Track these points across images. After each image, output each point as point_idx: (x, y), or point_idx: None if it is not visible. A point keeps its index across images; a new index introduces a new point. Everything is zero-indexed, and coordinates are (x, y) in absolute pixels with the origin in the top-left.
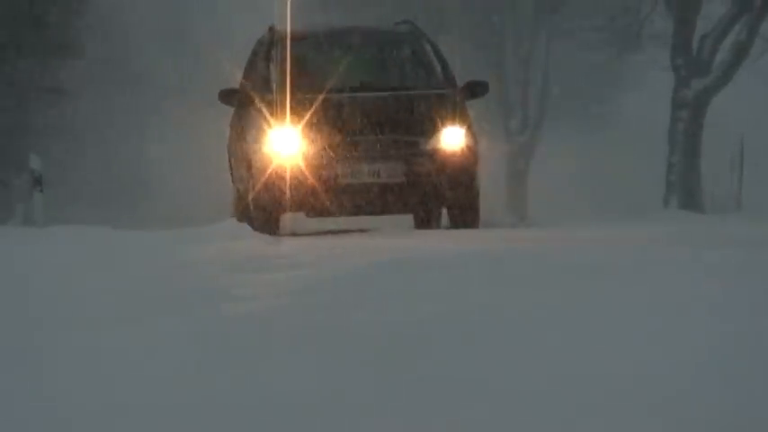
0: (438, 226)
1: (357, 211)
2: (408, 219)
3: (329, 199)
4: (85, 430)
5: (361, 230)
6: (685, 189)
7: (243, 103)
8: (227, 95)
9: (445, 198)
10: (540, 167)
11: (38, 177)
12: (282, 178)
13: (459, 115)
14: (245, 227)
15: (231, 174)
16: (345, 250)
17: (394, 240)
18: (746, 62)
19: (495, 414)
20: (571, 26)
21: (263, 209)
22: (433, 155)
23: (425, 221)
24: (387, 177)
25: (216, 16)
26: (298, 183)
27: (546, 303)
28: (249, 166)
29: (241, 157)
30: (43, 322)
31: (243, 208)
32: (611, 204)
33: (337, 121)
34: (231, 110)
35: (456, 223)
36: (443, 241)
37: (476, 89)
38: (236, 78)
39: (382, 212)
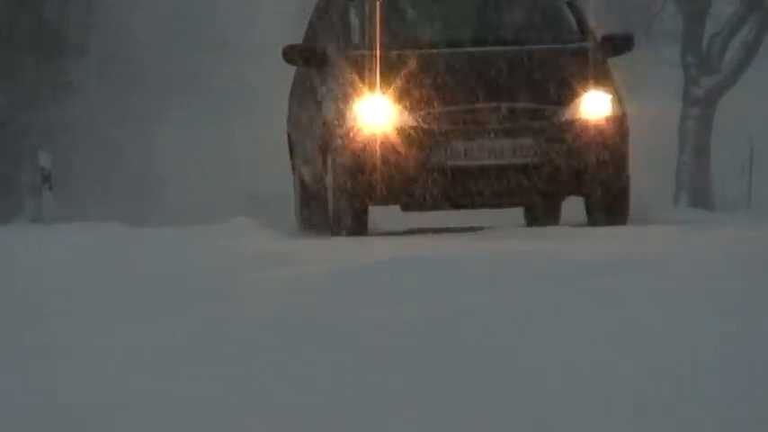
0: (557, 222)
1: (471, 202)
2: (517, 213)
3: (434, 187)
4: (85, 429)
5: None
6: (695, 187)
7: (315, 63)
8: (294, 53)
9: (587, 184)
10: None
11: (47, 175)
12: (372, 160)
13: (604, 76)
14: (255, 224)
15: (292, 157)
16: (360, 247)
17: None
18: (756, 60)
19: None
20: None
21: (347, 200)
22: (572, 128)
23: (541, 216)
24: (513, 157)
25: (226, 14)
26: (393, 166)
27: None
28: (325, 146)
29: (311, 134)
30: (48, 319)
31: (311, 200)
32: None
33: (445, 84)
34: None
35: (598, 218)
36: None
37: (618, 44)
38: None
39: (505, 204)
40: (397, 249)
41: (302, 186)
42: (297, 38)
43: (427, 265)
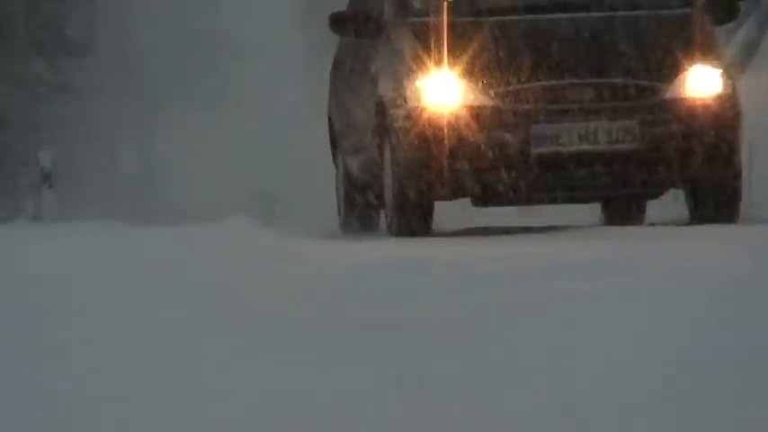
0: (641, 220)
1: (557, 196)
2: (593, 210)
3: (513, 178)
4: (85, 428)
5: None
6: None
7: (369, 33)
8: (344, 21)
9: (694, 175)
10: None
11: (47, 174)
12: (439, 146)
13: (711, 48)
14: (256, 223)
15: (333, 144)
16: (362, 248)
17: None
18: (755, 60)
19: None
20: None
21: (409, 194)
22: (677, 108)
23: (623, 213)
24: (608, 143)
25: (224, 15)
26: (463, 153)
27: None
28: (382, 130)
29: (363, 117)
30: (48, 319)
31: (359, 195)
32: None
33: (526, 56)
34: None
35: (704, 215)
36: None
37: (725, 10)
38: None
39: (597, 197)
40: (401, 251)
41: (348, 179)
42: (298, 38)
43: (429, 266)
